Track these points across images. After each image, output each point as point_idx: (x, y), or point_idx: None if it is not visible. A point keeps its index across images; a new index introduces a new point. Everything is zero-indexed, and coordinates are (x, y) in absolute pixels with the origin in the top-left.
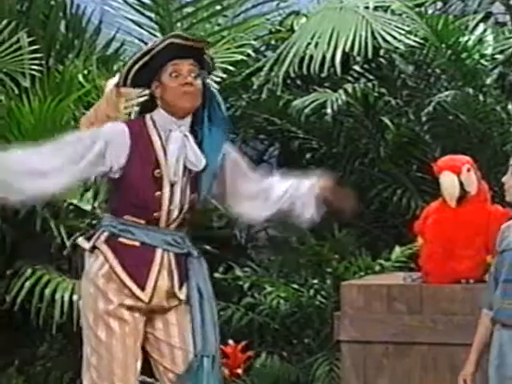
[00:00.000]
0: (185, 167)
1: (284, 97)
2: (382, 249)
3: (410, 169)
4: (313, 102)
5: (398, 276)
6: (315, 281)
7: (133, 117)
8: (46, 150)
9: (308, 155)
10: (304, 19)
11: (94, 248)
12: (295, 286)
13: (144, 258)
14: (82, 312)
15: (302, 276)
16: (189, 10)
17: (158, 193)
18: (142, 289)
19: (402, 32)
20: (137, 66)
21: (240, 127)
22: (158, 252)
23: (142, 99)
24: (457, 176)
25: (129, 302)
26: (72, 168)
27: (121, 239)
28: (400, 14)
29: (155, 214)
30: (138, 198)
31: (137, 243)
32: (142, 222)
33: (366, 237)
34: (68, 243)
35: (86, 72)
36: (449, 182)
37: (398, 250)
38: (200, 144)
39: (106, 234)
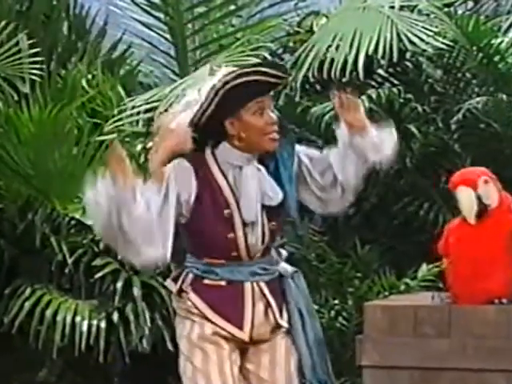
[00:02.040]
0: (263, 203)
1: (303, 103)
2: (407, 266)
3: (438, 181)
4: (333, 108)
5: (425, 296)
6: (336, 301)
7: None
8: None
9: None
10: (324, 20)
11: (181, 291)
12: (315, 306)
13: (234, 297)
14: (180, 351)
15: (321, 296)
16: (200, 10)
17: (230, 235)
18: (240, 328)
19: (430, 33)
20: (213, 106)
21: None
22: (247, 286)
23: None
24: (473, 190)
25: (226, 334)
26: None
27: (205, 281)
28: (427, 15)
29: (233, 254)
30: (211, 242)
31: (222, 282)
32: (223, 261)
33: (391, 254)
34: (70, 260)
35: (90, 77)
36: (465, 198)
37: (424, 267)
38: (274, 173)
39: (190, 276)
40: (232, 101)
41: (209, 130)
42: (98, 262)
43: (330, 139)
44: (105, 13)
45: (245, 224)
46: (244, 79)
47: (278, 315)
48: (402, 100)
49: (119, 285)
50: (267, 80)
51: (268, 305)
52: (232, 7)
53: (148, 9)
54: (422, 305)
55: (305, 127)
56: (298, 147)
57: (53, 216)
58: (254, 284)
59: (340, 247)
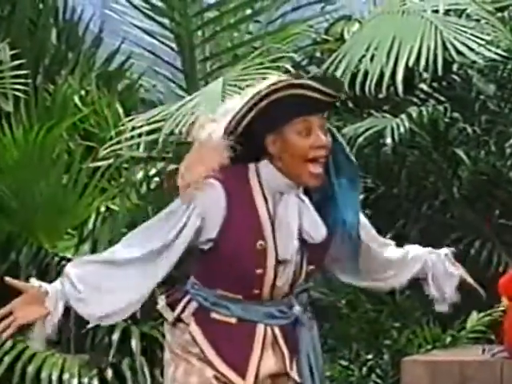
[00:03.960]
0: (301, 239)
1: (332, 123)
2: (454, 315)
3: (490, 214)
4: (368, 129)
5: (474, 350)
6: (369, 356)
7: None
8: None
9: (361, 197)
10: (357, 26)
11: (178, 320)
12: (343, 362)
13: (242, 338)
14: None
15: (352, 350)
16: (211, 14)
17: (259, 271)
18: (243, 377)
19: (481, 42)
20: (252, 114)
21: None
22: (260, 328)
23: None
24: None
25: (226, 381)
26: None
27: (213, 315)
28: (478, 20)
29: (255, 291)
30: (235, 274)
31: (233, 320)
32: (240, 297)
33: None
34: None
35: (82, 93)
36: None
37: (474, 316)
38: (321, 205)
39: (194, 304)
40: (276, 114)
41: (248, 144)
42: None
43: (362, 165)
44: (100, 18)
45: (278, 261)
46: (293, 91)
47: (288, 366)
48: (448, 120)
49: (115, 336)
50: (318, 97)
51: (280, 353)
52: (248, 11)
53: (150, 13)
54: (470, 360)
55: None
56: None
57: (39, 256)
58: (268, 327)
59: (375, 292)
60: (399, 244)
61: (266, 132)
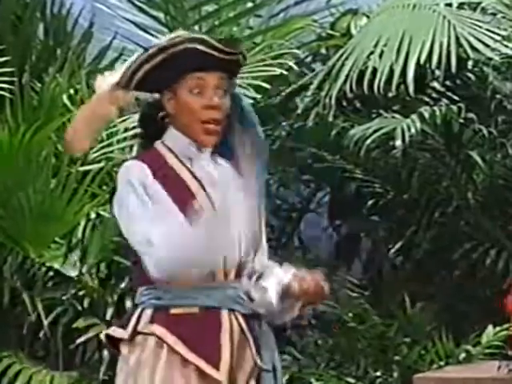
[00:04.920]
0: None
1: (338, 124)
2: (468, 329)
3: (507, 221)
4: (376, 130)
5: (489, 366)
6: (378, 373)
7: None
8: None
9: (369, 203)
10: (364, 20)
11: (134, 335)
12: (350, 379)
13: (208, 327)
14: None
15: (359, 366)
16: (209, 8)
17: None
18: (216, 368)
19: (497, 38)
20: (148, 66)
21: (278, 165)
22: (224, 315)
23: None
24: None
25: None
26: None
27: (172, 311)
28: (494, 14)
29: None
30: None
31: (195, 309)
32: (195, 282)
33: (448, 313)
34: (45, 322)
35: (71, 91)
36: None
37: (490, 330)
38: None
39: (148, 312)
40: (170, 69)
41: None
42: (80, 323)
43: (370, 169)
44: (90, 12)
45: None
46: (187, 45)
47: (256, 357)
48: (462, 120)
49: (106, 352)
50: (209, 52)
51: (246, 342)
52: (249, 4)
53: (144, 7)
54: (486, 377)
55: (340, 154)
56: None
57: (25, 266)
58: (231, 314)
59: (384, 305)
60: (410, 254)
61: (162, 89)
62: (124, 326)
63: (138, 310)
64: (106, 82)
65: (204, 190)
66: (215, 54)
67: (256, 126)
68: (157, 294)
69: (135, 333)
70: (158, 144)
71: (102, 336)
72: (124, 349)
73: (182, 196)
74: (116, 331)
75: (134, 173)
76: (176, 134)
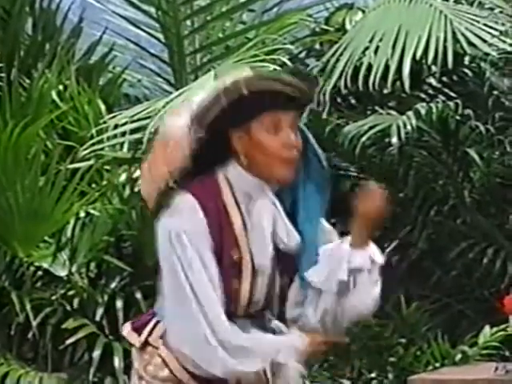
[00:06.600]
0: (275, 246)
1: (332, 121)
2: (465, 330)
3: (504, 220)
4: (372, 127)
5: (486, 368)
6: (373, 374)
7: None
8: None
9: None
10: (359, 15)
11: (146, 344)
12: (345, 381)
13: None
14: None
15: (354, 368)
16: (202, 2)
17: (235, 284)
18: None
19: (495, 33)
20: (220, 106)
21: None
22: None
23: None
24: None
25: None
26: None
27: None
28: (491, 9)
29: (229, 308)
30: None
31: None
32: None
33: (444, 314)
34: (34, 322)
35: (61, 88)
36: None
37: (487, 331)
38: (290, 211)
39: (162, 326)
40: (243, 108)
41: (212, 142)
42: (69, 323)
43: (365, 167)
44: (80, 6)
45: (254, 272)
46: (260, 87)
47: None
48: (459, 117)
49: (96, 353)
50: (289, 92)
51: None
52: None
53: (135, 1)
54: (483, 378)
55: (335, 151)
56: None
57: (14, 265)
58: None
59: (379, 305)
60: (405, 253)
61: (232, 128)
62: (138, 330)
63: (154, 320)
64: (176, 122)
65: (247, 239)
66: (292, 93)
67: (320, 156)
68: None
69: (146, 343)
70: (219, 173)
71: (124, 333)
72: (135, 352)
73: (225, 241)
74: (130, 335)
75: (185, 221)
76: (240, 172)
